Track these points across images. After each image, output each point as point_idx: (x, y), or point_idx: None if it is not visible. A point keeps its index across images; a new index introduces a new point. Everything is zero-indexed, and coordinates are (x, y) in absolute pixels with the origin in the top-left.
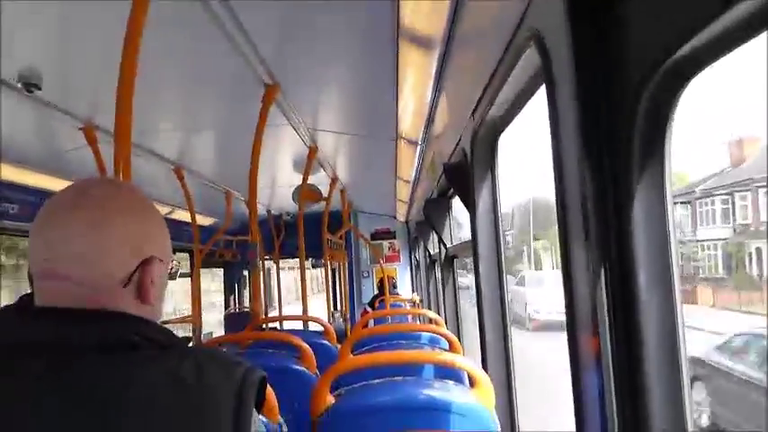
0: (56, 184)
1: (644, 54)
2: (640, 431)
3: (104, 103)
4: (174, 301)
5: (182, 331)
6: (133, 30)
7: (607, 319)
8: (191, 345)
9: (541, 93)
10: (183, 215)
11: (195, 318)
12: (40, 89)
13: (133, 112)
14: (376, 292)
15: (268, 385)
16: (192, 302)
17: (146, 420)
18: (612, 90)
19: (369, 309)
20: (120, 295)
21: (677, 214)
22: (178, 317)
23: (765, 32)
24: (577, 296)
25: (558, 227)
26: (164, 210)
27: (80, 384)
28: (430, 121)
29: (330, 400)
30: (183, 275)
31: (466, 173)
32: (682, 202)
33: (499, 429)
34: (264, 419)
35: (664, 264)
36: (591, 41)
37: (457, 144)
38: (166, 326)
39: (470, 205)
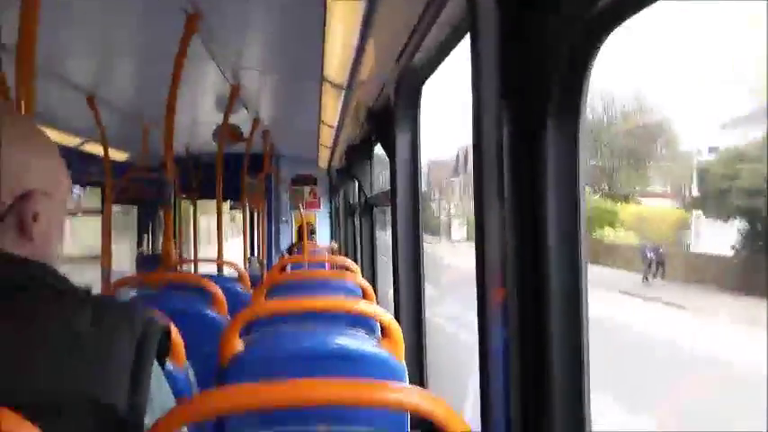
0: None
1: (567, 5)
2: (541, 380)
3: (8, 20)
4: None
5: (90, 272)
6: None
7: (515, 270)
8: (91, 293)
9: (466, 41)
10: (95, 148)
11: (105, 258)
12: None
13: (39, 32)
14: (295, 239)
15: (176, 330)
16: (102, 241)
17: (36, 370)
18: (534, 41)
19: (287, 255)
20: None
21: None
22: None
23: None
24: (489, 247)
25: (474, 177)
26: (74, 141)
27: None
28: (356, 64)
29: (239, 346)
30: (92, 212)
31: (389, 119)
32: None
33: (407, 378)
34: (171, 365)
35: (572, 220)
36: None
37: (382, 90)
38: (73, 264)
39: (391, 152)
